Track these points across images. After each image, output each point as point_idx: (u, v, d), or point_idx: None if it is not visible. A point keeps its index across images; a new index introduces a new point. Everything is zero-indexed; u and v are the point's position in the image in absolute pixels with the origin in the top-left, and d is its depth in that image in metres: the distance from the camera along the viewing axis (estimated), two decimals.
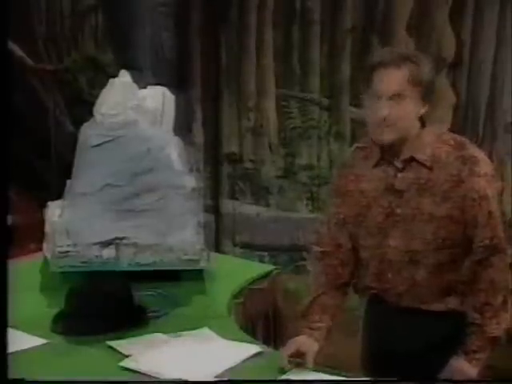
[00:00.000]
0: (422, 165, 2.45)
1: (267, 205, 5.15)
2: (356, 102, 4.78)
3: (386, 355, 2.60)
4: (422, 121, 2.48)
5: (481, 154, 2.48)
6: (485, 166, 2.46)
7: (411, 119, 2.43)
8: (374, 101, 2.41)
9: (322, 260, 2.63)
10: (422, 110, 2.44)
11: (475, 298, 2.47)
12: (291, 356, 2.46)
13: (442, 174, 2.44)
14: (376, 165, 2.52)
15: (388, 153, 2.49)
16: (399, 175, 2.48)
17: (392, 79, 2.38)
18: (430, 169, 2.45)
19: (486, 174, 2.45)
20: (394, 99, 2.38)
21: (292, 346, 2.50)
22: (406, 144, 2.45)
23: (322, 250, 2.64)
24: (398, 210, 2.49)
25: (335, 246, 2.62)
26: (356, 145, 2.64)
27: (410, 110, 2.41)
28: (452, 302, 2.52)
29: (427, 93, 2.42)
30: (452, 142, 2.48)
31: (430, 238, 2.46)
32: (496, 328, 2.46)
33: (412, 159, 2.46)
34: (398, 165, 2.48)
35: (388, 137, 2.42)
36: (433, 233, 2.46)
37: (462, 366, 2.46)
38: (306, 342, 2.51)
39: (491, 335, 2.46)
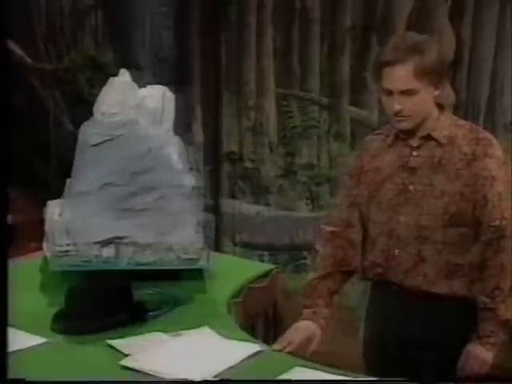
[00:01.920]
0: (438, 143, 2.54)
1: (267, 204, 5.15)
2: (356, 102, 4.78)
3: (388, 341, 2.62)
4: (440, 105, 2.57)
5: (494, 140, 2.57)
6: (497, 149, 2.55)
7: (426, 107, 2.52)
8: (386, 96, 2.50)
9: (331, 241, 2.70)
10: (436, 93, 2.52)
11: (485, 283, 2.52)
12: (301, 343, 2.51)
13: (455, 153, 2.53)
14: (392, 144, 2.61)
15: (405, 133, 2.58)
16: (414, 153, 2.57)
17: (399, 77, 2.45)
18: (445, 147, 2.53)
19: (498, 157, 2.53)
20: (405, 94, 2.46)
21: (301, 333, 2.53)
22: (423, 124, 2.55)
23: (331, 229, 2.70)
24: (411, 187, 2.56)
25: (346, 227, 2.70)
26: (375, 132, 2.75)
27: (422, 100, 2.49)
28: (457, 286, 2.55)
29: (438, 78, 2.50)
30: (468, 127, 2.59)
31: (439, 214, 2.53)
32: (507, 311, 2.51)
33: (428, 137, 2.55)
34: (414, 143, 2.57)
35: (406, 125, 2.53)
36: (443, 208, 2.52)
37: (478, 351, 2.52)
38: (314, 330, 2.58)
39: (503, 318, 2.51)
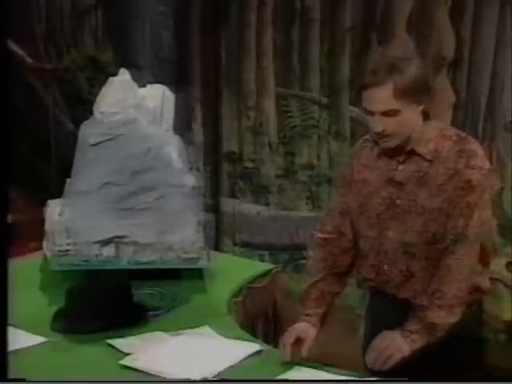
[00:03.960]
0: (423, 158, 2.47)
1: (267, 204, 5.14)
2: (356, 101, 4.77)
3: None
4: (426, 114, 2.49)
5: (480, 150, 2.48)
6: (481, 160, 2.46)
7: (409, 124, 2.45)
8: (369, 116, 2.44)
9: (323, 247, 2.68)
10: (420, 108, 2.45)
11: (430, 283, 2.45)
12: (293, 345, 2.49)
13: (440, 168, 2.46)
14: (379, 157, 2.56)
15: (391, 149, 2.52)
16: (400, 167, 2.51)
17: (378, 99, 2.39)
18: (431, 162, 2.47)
19: (481, 168, 2.45)
20: (386, 115, 2.40)
21: (292, 334, 2.52)
22: (408, 139, 2.48)
23: (324, 236, 2.68)
24: (398, 202, 2.51)
25: (338, 234, 2.66)
26: (364, 137, 2.67)
27: (405, 119, 2.42)
28: None
29: (420, 94, 2.42)
30: (454, 138, 2.50)
31: (422, 231, 2.47)
32: (438, 316, 2.42)
33: (413, 152, 2.49)
34: (400, 158, 2.51)
35: (390, 144, 2.47)
36: (423, 225, 2.47)
37: (395, 336, 2.43)
38: (305, 329, 2.54)
39: (429, 321, 2.42)
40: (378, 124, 2.42)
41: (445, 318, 2.43)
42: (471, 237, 2.45)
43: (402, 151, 2.50)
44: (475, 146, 2.49)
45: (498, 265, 3.63)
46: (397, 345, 2.42)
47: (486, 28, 4.29)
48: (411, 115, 2.43)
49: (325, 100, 4.88)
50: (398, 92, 2.37)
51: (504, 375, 3.20)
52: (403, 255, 2.51)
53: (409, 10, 4.50)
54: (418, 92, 2.41)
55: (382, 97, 2.38)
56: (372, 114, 2.42)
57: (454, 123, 4.39)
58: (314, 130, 4.93)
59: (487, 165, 2.48)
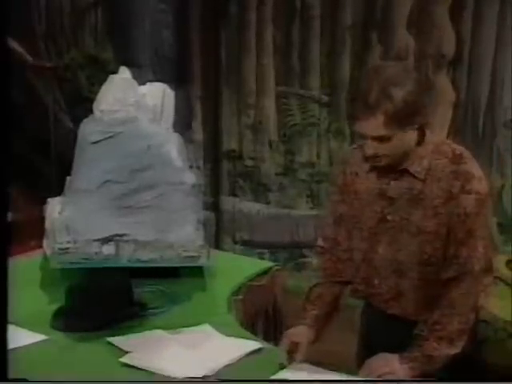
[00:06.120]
0: (416, 177, 2.41)
1: (267, 202, 5.15)
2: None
3: (375, 351, 2.57)
4: (421, 129, 2.39)
5: (477, 171, 2.39)
6: (478, 183, 2.37)
7: (402, 146, 2.37)
8: (361, 139, 2.39)
9: (322, 255, 2.65)
10: (415, 127, 2.36)
11: (431, 314, 2.40)
12: (289, 350, 2.46)
13: (434, 188, 2.39)
14: (371, 170, 2.49)
15: (382, 167, 2.46)
16: (392, 183, 2.45)
17: (368, 128, 2.32)
18: (423, 181, 2.40)
19: (478, 192, 2.36)
20: (377, 140, 2.33)
21: (285, 340, 2.49)
22: (401, 158, 2.41)
23: (322, 245, 2.66)
24: (390, 217, 2.45)
25: (334, 244, 2.62)
26: (357, 143, 2.60)
27: (397, 142, 2.34)
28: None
29: (413, 117, 2.32)
30: (450, 155, 2.41)
31: (416, 252, 2.42)
32: (438, 349, 2.37)
33: (406, 171, 2.42)
34: (392, 175, 2.45)
35: (382, 164, 2.41)
36: (418, 247, 2.41)
37: (393, 360, 2.39)
38: (298, 332, 2.52)
39: (429, 353, 2.38)
40: (370, 148, 2.35)
41: (445, 350, 2.37)
42: (476, 271, 2.39)
43: (394, 169, 2.43)
44: (472, 166, 2.40)
45: (498, 263, 3.62)
46: (393, 368, 2.37)
47: (486, 26, 4.30)
48: (404, 137, 2.35)
49: (325, 98, 4.88)
50: (388, 120, 2.29)
51: (504, 374, 3.19)
52: (394, 273, 2.47)
53: (409, 8, 4.51)
54: (410, 116, 2.31)
55: (372, 126, 2.30)
56: (364, 137, 2.36)
57: (454, 122, 4.40)
58: (314, 128, 4.94)
59: (484, 188, 2.39)
